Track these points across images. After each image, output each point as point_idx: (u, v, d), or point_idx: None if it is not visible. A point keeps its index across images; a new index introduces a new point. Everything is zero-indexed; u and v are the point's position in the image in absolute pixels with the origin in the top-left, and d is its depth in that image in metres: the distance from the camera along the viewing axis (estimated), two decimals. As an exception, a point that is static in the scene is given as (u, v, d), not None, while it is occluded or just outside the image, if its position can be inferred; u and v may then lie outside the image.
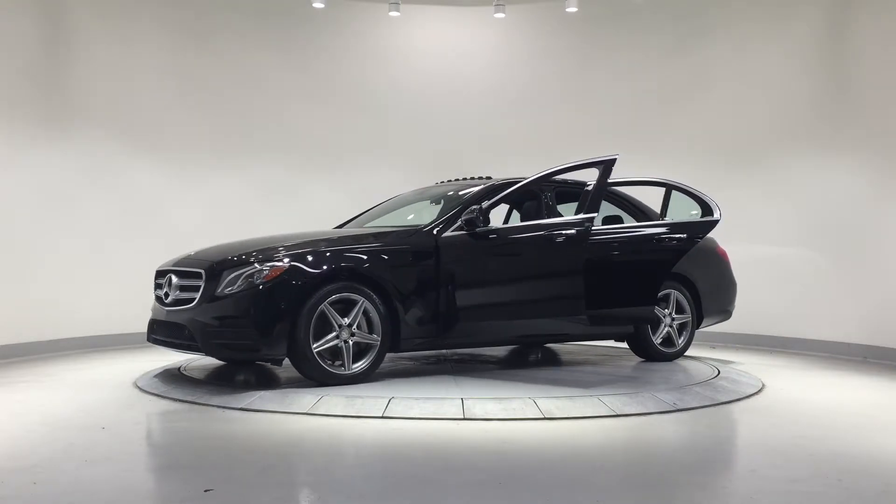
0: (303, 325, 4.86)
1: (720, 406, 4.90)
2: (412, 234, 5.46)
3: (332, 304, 4.97)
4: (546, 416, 4.46)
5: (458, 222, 5.46)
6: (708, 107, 8.41)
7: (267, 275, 4.91)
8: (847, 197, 7.42)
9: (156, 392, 5.15)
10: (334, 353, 5.04)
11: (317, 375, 4.98)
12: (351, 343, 5.04)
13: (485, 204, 5.51)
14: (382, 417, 4.40)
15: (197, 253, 5.56)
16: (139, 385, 5.41)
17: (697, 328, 6.65)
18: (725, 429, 4.39)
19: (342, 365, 5.03)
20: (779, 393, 5.42)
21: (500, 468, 3.53)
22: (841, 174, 7.48)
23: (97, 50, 7.69)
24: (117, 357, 6.95)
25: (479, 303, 5.34)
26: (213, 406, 4.71)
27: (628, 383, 5.34)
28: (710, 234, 6.72)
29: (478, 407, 4.55)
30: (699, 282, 6.55)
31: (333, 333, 4.97)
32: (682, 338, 6.50)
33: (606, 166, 5.37)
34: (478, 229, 5.39)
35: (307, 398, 4.68)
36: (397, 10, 8.59)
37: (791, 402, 5.15)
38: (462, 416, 4.42)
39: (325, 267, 5.04)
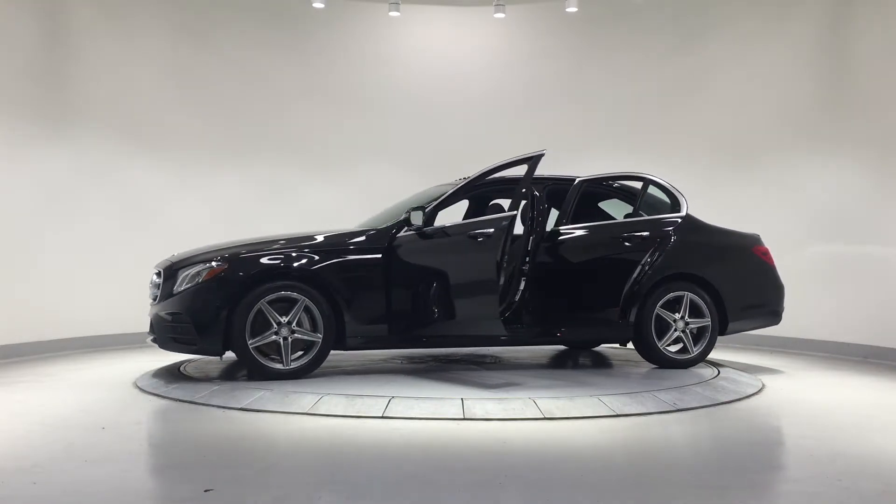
0: (239, 322, 5.11)
1: (720, 406, 4.90)
2: (365, 234, 5.58)
3: (276, 301, 5.18)
4: (546, 416, 4.46)
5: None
6: (708, 106, 8.42)
7: (206, 274, 5.22)
8: (848, 196, 7.42)
9: (156, 392, 5.15)
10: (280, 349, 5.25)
11: (254, 370, 5.22)
12: (290, 340, 5.20)
13: (429, 206, 5.51)
14: (382, 417, 4.41)
15: (179, 254, 5.72)
16: (139, 385, 5.41)
17: (724, 333, 6.16)
18: (725, 429, 4.39)
19: (287, 359, 5.22)
20: (779, 393, 5.42)
21: (500, 468, 3.53)
22: (842, 174, 7.48)
23: (97, 49, 7.69)
24: (117, 357, 6.95)
25: (421, 303, 5.33)
26: (213, 406, 4.71)
27: (628, 383, 5.33)
28: (752, 232, 6.48)
29: (478, 407, 4.55)
30: (721, 283, 6.05)
31: (272, 330, 5.17)
32: (700, 344, 6.00)
33: (534, 163, 5.39)
34: (426, 228, 5.40)
35: (307, 398, 4.68)
36: (397, 10, 8.59)
37: (791, 402, 5.15)
38: (462, 416, 4.42)
39: (260, 267, 5.24)
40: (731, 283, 6.12)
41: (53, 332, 7.20)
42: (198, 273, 5.26)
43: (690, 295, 5.98)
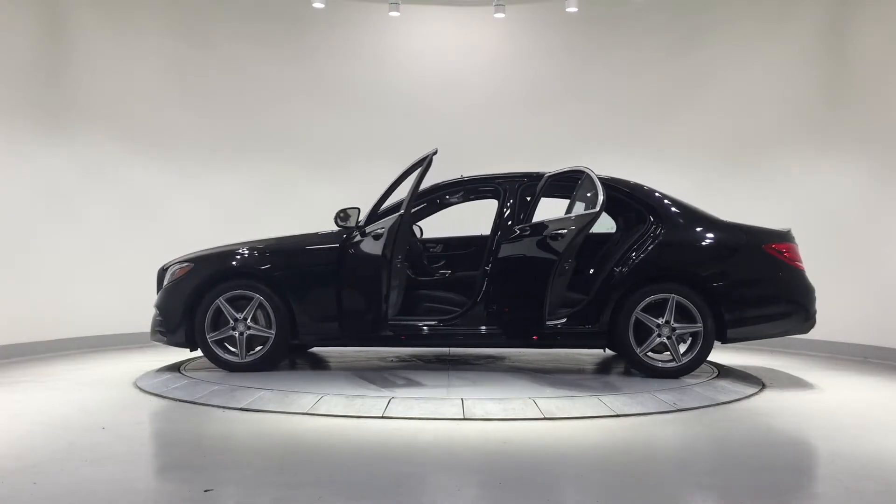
0: (199, 318, 5.52)
1: (720, 406, 4.90)
2: (319, 236, 5.76)
3: (237, 299, 5.55)
4: (546, 416, 4.46)
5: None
6: (709, 105, 8.42)
7: (177, 273, 5.69)
8: (848, 195, 7.42)
9: (156, 392, 5.15)
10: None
11: (214, 361, 5.62)
12: (246, 335, 5.54)
13: (364, 210, 5.64)
14: (382, 417, 4.41)
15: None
16: (139, 385, 5.41)
17: (726, 341, 5.60)
18: (725, 429, 4.39)
19: (243, 353, 5.56)
20: (779, 393, 5.42)
21: (500, 468, 3.53)
22: (842, 174, 7.48)
23: (97, 49, 7.69)
24: (117, 357, 6.95)
25: (357, 303, 5.39)
26: (213, 406, 4.71)
27: (628, 384, 5.33)
28: (776, 228, 5.89)
29: (478, 407, 4.55)
30: (719, 284, 5.50)
31: (230, 325, 5.53)
32: (690, 352, 5.47)
33: (427, 163, 5.40)
34: (366, 229, 5.48)
35: (307, 398, 4.69)
36: (397, 10, 8.59)
37: (791, 402, 5.15)
38: (462, 416, 4.42)
39: (219, 267, 5.64)
40: (731, 284, 5.55)
41: (53, 332, 7.20)
42: (173, 272, 5.73)
43: (677, 297, 5.44)
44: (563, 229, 5.09)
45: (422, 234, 6.87)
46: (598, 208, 4.94)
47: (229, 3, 8.56)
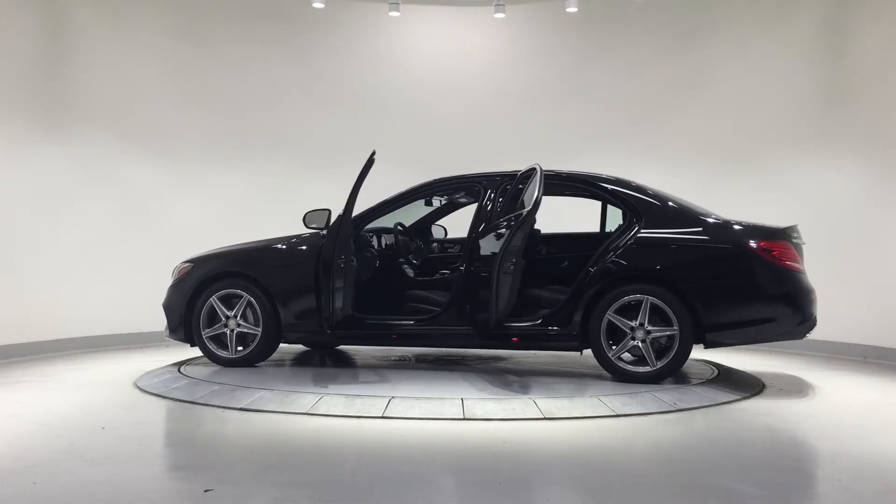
0: (195, 315, 5.82)
1: (720, 406, 4.90)
2: (305, 238, 5.90)
3: (230, 297, 5.79)
4: (546, 416, 4.46)
5: None
6: (709, 106, 8.41)
7: (179, 272, 6.00)
8: (847, 197, 7.42)
9: (156, 392, 5.16)
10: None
11: (208, 356, 5.89)
12: (235, 332, 5.78)
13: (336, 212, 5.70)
14: (382, 417, 4.41)
15: None
16: (139, 385, 5.41)
17: (708, 346, 5.30)
18: (725, 429, 4.39)
19: (233, 349, 5.79)
20: (779, 393, 5.42)
21: (500, 468, 3.53)
22: (842, 174, 7.48)
23: (98, 50, 7.68)
24: (117, 357, 6.95)
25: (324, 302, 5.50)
26: (213, 406, 4.72)
27: (628, 384, 5.32)
28: (770, 225, 5.54)
29: (478, 407, 4.55)
30: (694, 285, 5.19)
31: (221, 322, 5.79)
32: (667, 356, 5.18)
33: (368, 164, 5.54)
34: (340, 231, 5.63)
35: (307, 398, 4.69)
36: (397, 10, 8.59)
37: (791, 402, 5.15)
38: (462, 416, 4.42)
39: (213, 268, 5.90)
40: (705, 286, 5.23)
41: (53, 332, 7.19)
42: (178, 272, 6.02)
43: (651, 299, 5.17)
44: (504, 230, 5.18)
45: (446, 234, 7.02)
46: (530, 206, 4.96)
47: (229, 3, 8.55)
